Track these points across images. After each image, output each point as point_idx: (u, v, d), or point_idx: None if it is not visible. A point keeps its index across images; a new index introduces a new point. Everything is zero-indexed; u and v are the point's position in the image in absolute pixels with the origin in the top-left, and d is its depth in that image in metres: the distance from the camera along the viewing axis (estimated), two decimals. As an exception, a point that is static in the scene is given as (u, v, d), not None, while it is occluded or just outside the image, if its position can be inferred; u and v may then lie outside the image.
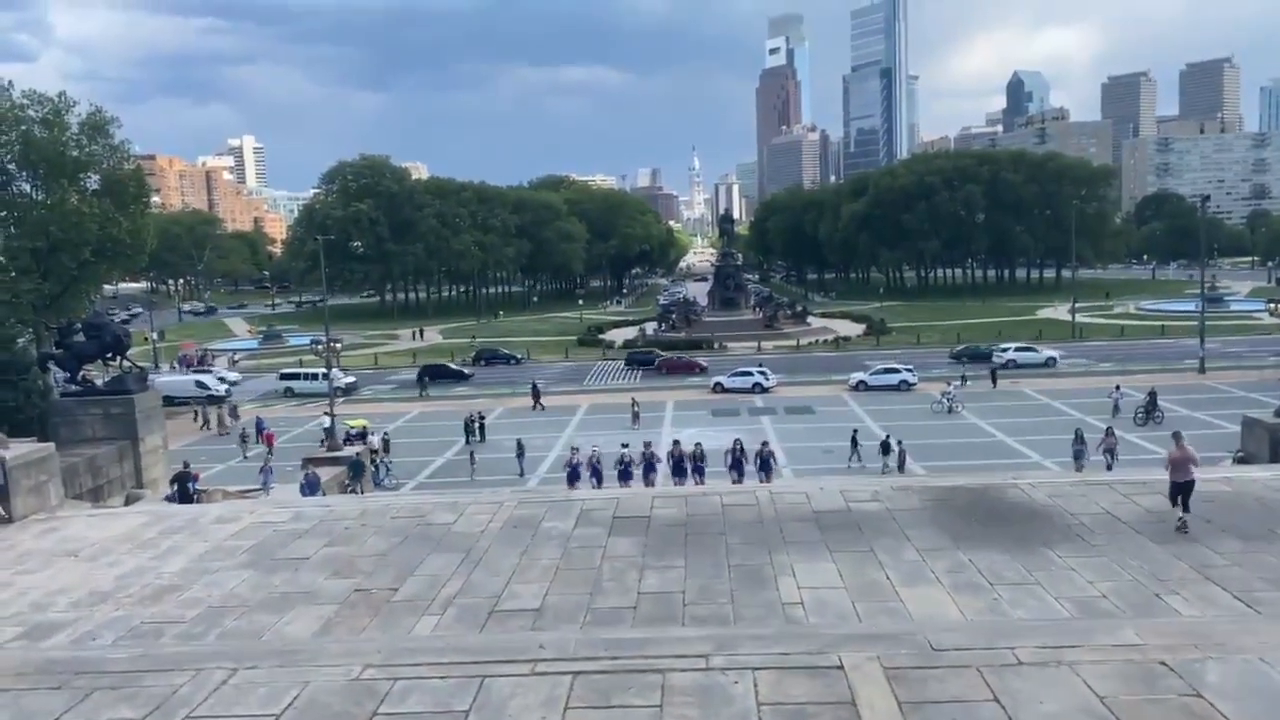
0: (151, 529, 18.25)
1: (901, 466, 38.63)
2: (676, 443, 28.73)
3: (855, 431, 42.33)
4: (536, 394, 61.80)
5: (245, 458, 45.69)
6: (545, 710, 7.36)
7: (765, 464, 29.06)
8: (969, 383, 62.44)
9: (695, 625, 11.48)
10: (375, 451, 43.87)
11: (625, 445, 27.91)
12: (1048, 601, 12.37)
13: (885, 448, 40.40)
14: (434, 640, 10.88)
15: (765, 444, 30.46)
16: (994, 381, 62.47)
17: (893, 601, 12.63)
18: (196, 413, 59.27)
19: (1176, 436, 16.31)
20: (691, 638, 9.26)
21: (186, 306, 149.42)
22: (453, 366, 79.19)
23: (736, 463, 28.68)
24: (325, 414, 55.51)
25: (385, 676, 8.06)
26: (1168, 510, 16.28)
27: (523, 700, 7.54)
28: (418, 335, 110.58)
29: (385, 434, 46.87)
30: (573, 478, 28.01)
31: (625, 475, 25.83)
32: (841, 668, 7.82)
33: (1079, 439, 37.23)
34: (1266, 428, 28.41)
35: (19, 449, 20.26)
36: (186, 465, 28.69)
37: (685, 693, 7.59)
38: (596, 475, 26.17)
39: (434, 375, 75.16)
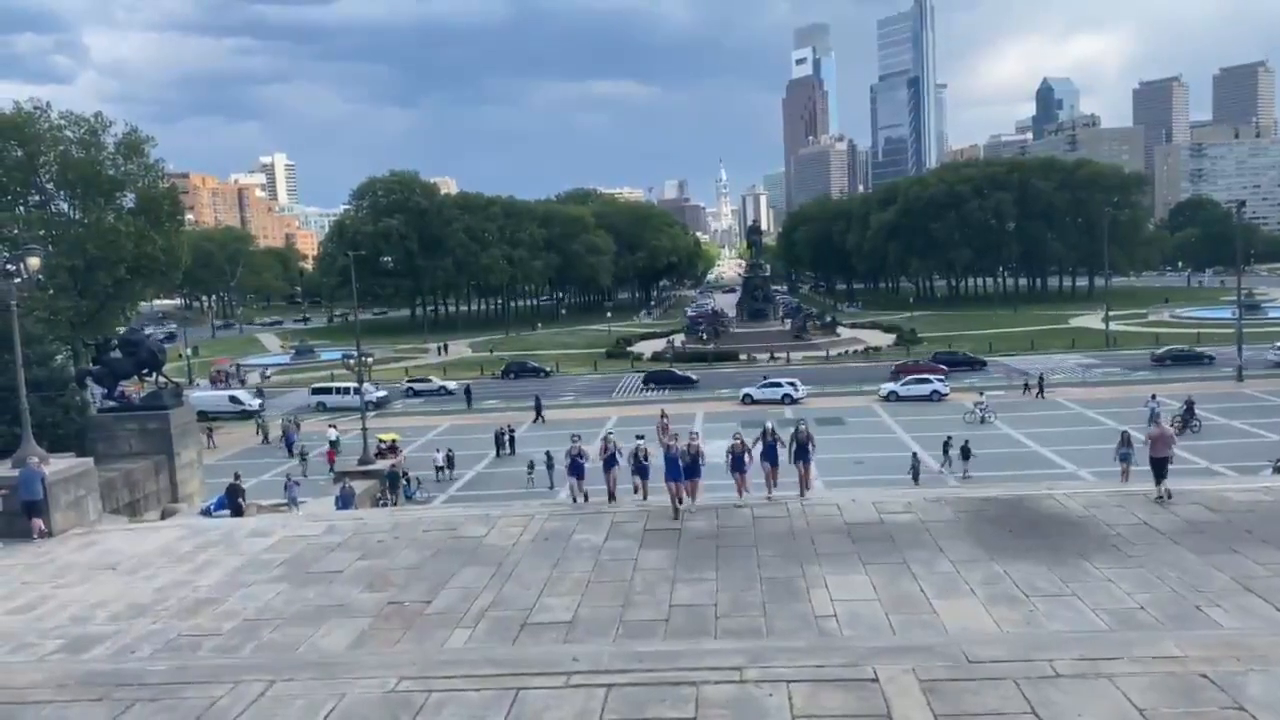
0: (187, 543, 18.48)
1: (916, 477, 38.61)
2: (694, 435, 20.25)
3: (948, 439, 42.54)
4: (539, 407, 62.29)
5: (304, 476, 46.22)
6: (580, 721, 7.39)
7: (803, 450, 20.91)
8: (1029, 391, 61.74)
9: (728, 638, 11.45)
10: (440, 468, 44.74)
11: (640, 437, 22.13)
12: (1085, 613, 12.22)
13: (965, 453, 41.25)
14: (467, 653, 10.94)
15: (801, 423, 22.30)
16: (1041, 391, 61.66)
17: (927, 614, 12.52)
18: (258, 426, 60.15)
19: (1155, 416, 18.52)
20: (724, 650, 9.25)
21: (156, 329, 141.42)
22: (679, 372, 79.29)
23: (769, 450, 20.91)
24: (331, 426, 56.45)
25: (420, 689, 8.11)
26: (1206, 520, 16.11)
27: (557, 713, 7.57)
28: (442, 350, 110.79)
29: (450, 450, 47.46)
30: (576, 470, 21.20)
31: (641, 471, 20.97)
32: (876, 680, 7.78)
33: (1125, 441, 36.53)
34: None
35: (58, 464, 20.60)
36: (238, 477, 29.10)
37: (719, 705, 7.57)
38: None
39: (660, 381, 75.91)
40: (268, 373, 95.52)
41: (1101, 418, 51.96)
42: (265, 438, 58.84)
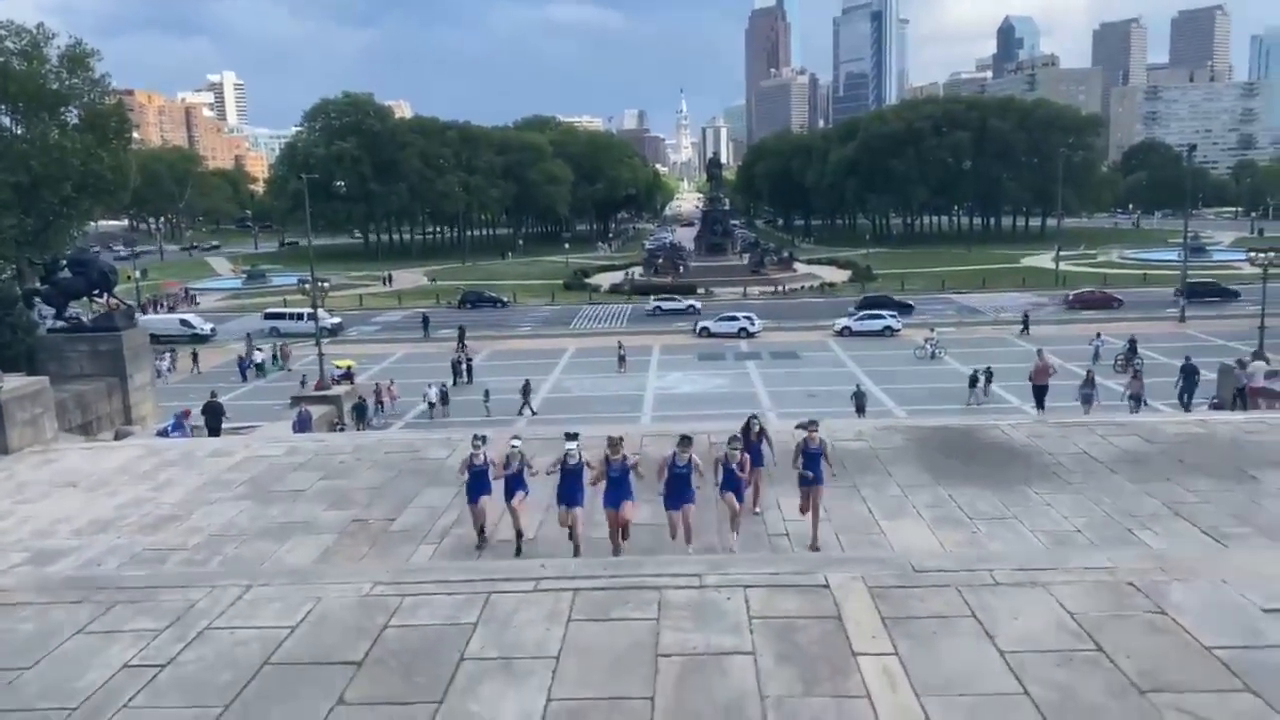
0: (147, 461, 18.52)
1: (861, 410, 38.94)
2: (686, 442, 12.67)
3: (975, 371, 43.89)
4: (462, 336, 62.20)
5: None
6: (549, 622, 7.75)
7: (815, 465, 13.26)
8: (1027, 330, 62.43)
9: (685, 553, 11.90)
10: (432, 405, 43.19)
11: (573, 437, 13.30)
12: (1024, 535, 12.86)
13: (973, 381, 42.95)
14: (435, 565, 11.30)
15: (813, 424, 13.73)
16: (1026, 327, 62.56)
17: (875, 534, 13.10)
18: (247, 349, 59.68)
19: (1039, 352, 21.45)
20: (684, 560, 9.70)
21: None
22: (895, 298, 77.94)
23: (751, 451, 14.14)
24: (258, 350, 56.78)
25: (394, 594, 8.42)
26: (1141, 451, 16.85)
27: (527, 614, 7.93)
28: (387, 281, 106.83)
29: (444, 385, 45.51)
30: (477, 489, 13.29)
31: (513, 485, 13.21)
32: (828, 586, 8.24)
33: (1089, 382, 37.65)
34: (1233, 376, 29.33)
35: (14, 382, 20.42)
36: (214, 395, 29.05)
37: (681, 607, 7.99)
38: (517, 485, 13.18)
39: (874, 305, 74.41)
40: (197, 299, 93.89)
41: (1049, 355, 53.18)
42: (250, 361, 58.40)
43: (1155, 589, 7.85)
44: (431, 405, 43.32)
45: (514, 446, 13.29)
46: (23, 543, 13.98)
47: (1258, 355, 31.59)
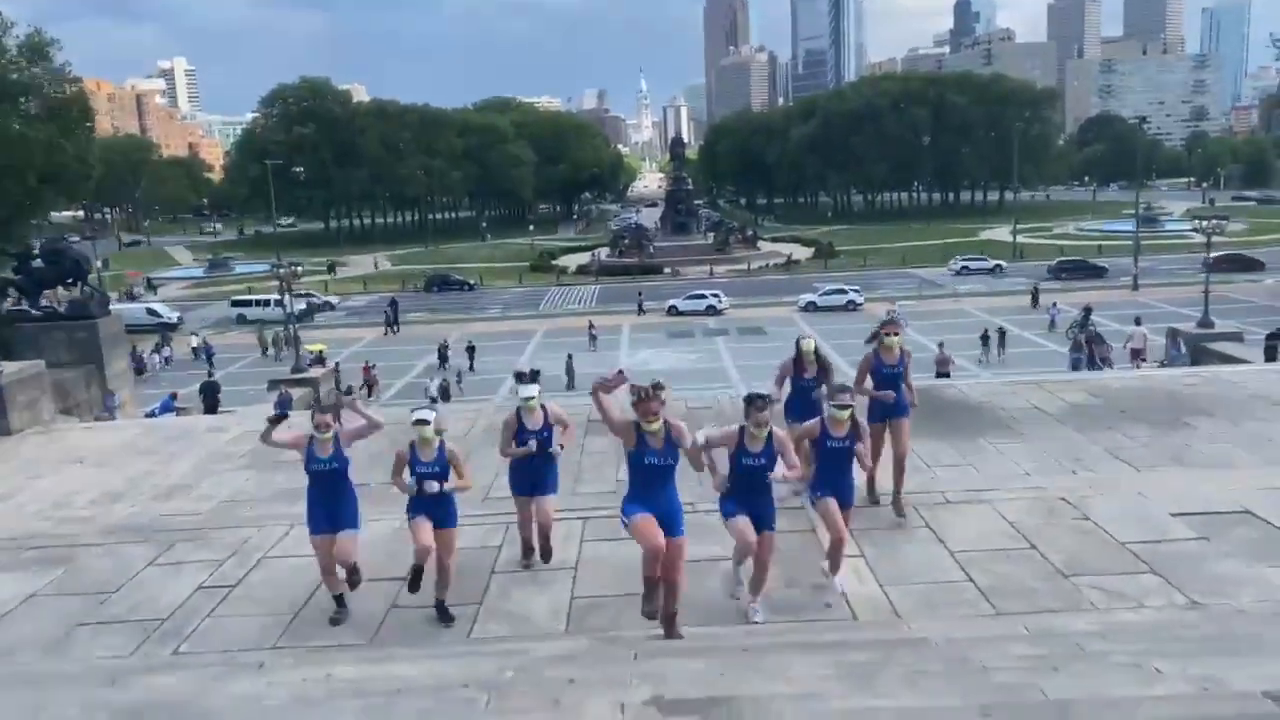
0: (148, 438, 19.31)
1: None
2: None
3: (985, 330, 47.06)
4: (391, 319, 62.86)
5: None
6: (565, 543, 8.90)
7: (892, 384, 10.01)
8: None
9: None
10: (434, 399, 39.73)
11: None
12: (978, 479, 14.02)
13: (985, 340, 46.36)
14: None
15: (891, 325, 10.36)
16: (1035, 301, 63.51)
17: (842, 480, 14.30)
18: (259, 336, 60.14)
19: (940, 345, 26.36)
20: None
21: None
22: (1091, 262, 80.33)
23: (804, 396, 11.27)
24: (193, 334, 59.22)
25: (423, 526, 9.45)
26: (1088, 404, 18.22)
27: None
28: (331, 269, 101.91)
29: (444, 380, 44.11)
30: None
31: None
32: (803, 508, 9.41)
33: (1076, 346, 40.87)
34: (1183, 337, 31.10)
35: (12, 366, 21.09)
36: (211, 375, 29.75)
37: (679, 528, 9.12)
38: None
39: (1071, 269, 77.46)
40: (135, 290, 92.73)
41: (1005, 324, 54.97)
42: (265, 349, 58.44)
43: (1083, 502, 9.11)
44: (433, 400, 39.76)
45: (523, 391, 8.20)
46: (44, 512, 14.76)
47: (1139, 321, 36.35)
